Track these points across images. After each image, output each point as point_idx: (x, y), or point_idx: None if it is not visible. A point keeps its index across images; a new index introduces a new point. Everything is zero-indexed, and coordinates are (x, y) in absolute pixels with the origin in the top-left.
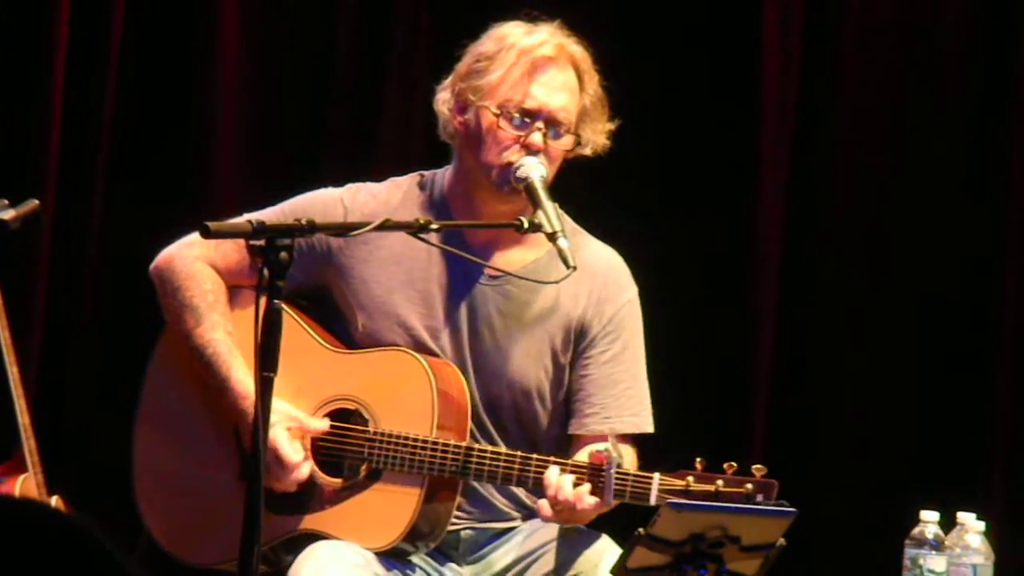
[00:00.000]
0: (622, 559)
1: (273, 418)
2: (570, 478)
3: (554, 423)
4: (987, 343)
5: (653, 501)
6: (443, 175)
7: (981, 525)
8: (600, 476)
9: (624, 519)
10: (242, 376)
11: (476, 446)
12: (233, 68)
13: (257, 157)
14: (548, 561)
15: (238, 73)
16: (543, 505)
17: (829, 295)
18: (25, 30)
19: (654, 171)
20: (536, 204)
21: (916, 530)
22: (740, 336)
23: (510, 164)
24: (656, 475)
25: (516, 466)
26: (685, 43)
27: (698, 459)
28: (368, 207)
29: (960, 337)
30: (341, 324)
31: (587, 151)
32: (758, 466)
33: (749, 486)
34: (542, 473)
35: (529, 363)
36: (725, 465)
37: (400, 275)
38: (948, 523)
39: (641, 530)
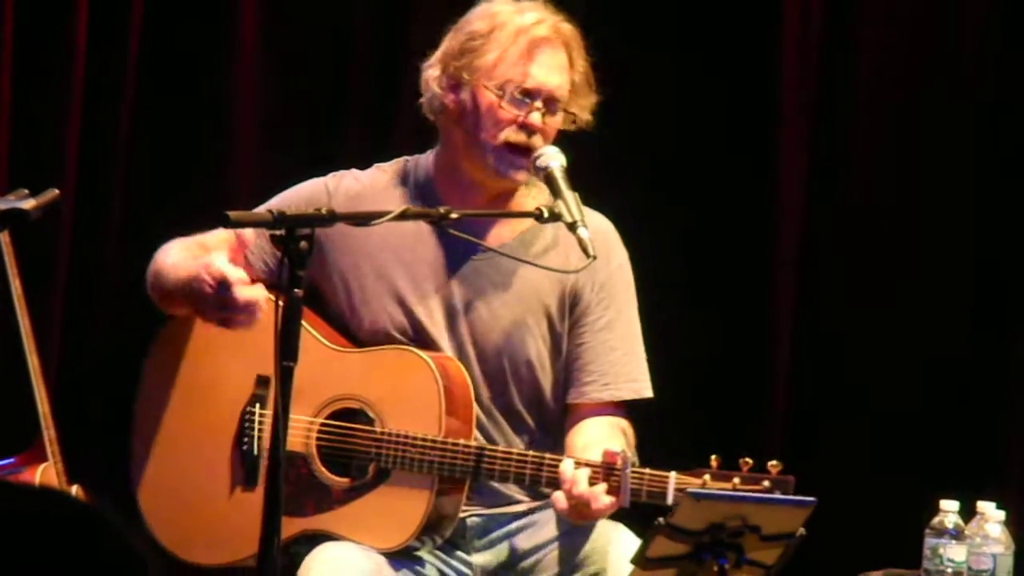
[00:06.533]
0: (642, 548)
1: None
2: (586, 471)
3: (559, 397)
4: (1005, 333)
5: (670, 500)
6: (427, 158)
7: (1001, 514)
8: (615, 475)
9: (642, 508)
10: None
11: (487, 446)
12: (252, 57)
13: (275, 150)
14: (564, 551)
15: (257, 63)
16: (558, 497)
17: (846, 286)
18: (44, 20)
19: (667, 148)
20: (556, 193)
21: (936, 519)
22: (758, 328)
23: (507, 143)
24: (672, 474)
25: (528, 466)
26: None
27: (713, 457)
28: (352, 190)
29: (978, 326)
30: (339, 319)
31: (572, 126)
32: (774, 462)
33: (766, 483)
34: (555, 472)
35: (526, 332)
36: (741, 462)
37: (390, 258)
38: (968, 512)
39: (661, 519)
